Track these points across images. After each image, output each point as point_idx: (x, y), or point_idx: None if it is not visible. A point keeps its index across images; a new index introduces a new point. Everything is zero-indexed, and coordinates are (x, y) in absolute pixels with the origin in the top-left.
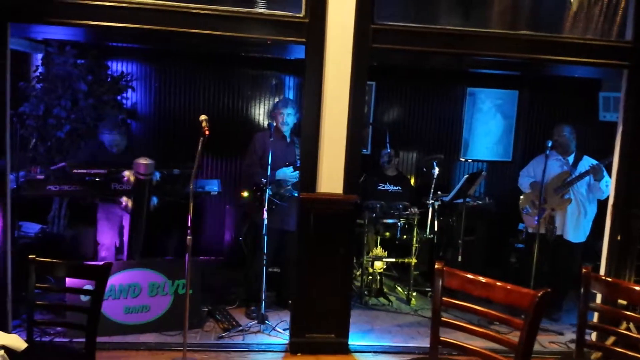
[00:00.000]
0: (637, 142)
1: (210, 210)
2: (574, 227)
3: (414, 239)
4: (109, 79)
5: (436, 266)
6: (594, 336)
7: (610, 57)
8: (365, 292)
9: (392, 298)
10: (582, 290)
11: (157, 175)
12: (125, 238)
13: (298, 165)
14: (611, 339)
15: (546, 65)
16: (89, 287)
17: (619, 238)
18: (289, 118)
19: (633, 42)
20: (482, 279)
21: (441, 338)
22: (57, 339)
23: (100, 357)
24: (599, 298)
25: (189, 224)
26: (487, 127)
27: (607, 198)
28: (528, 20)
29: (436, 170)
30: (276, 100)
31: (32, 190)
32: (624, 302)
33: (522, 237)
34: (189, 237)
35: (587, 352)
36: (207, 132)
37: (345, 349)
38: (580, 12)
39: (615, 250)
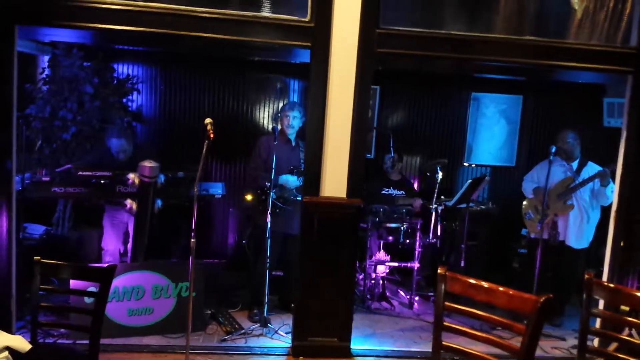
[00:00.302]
0: None
1: (214, 213)
2: (577, 233)
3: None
4: (115, 82)
5: (439, 271)
6: (596, 342)
7: (615, 63)
8: (368, 296)
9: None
10: (584, 296)
11: (162, 178)
12: (130, 245)
13: (302, 168)
14: (613, 345)
15: (550, 70)
16: (93, 289)
17: (622, 244)
18: (294, 121)
19: (638, 48)
20: (485, 284)
21: (443, 343)
22: (60, 341)
23: (104, 359)
24: (601, 304)
25: (193, 227)
26: (491, 132)
27: (611, 204)
28: (533, 25)
29: (440, 175)
30: (282, 103)
31: (37, 192)
32: (627, 308)
33: (524, 242)
34: (192, 240)
35: (589, 358)
36: (212, 135)
37: (347, 353)
38: (585, 18)
39: (618, 256)
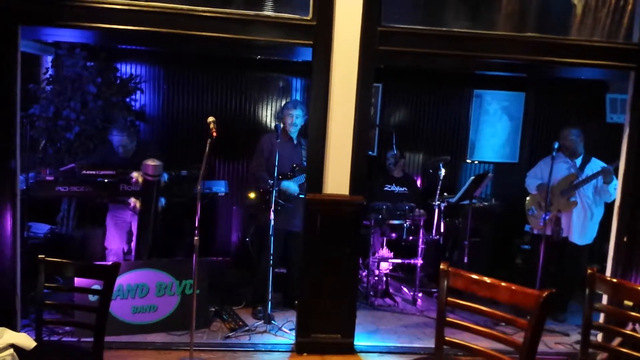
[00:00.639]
0: None
1: (217, 211)
2: (580, 229)
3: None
4: (118, 81)
5: (441, 267)
6: (600, 337)
7: (617, 59)
8: (371, 293)
9: (397, 299)
10: (587, 291)
11: (165, 176)
12: (134, 244)
13: (304, 166)
14: (617, 340)
15: (553, 67)
16: (97, 287)
17: (625, 239)
18: (297, 120)
19: None
20: (487, 280)
21: (446, 338)
22: (65, 338)
23: (108, 356)
24: (605, 299)
25: (196, 225)
26: (493, 129)
27: (614, 200)
28: (535, 22)
29: (442, 172)
30: (284, 101)
31: (41, 191)
32: (630, 303)
33: (528, 239)
34: (196, 238)
35: (593, 353)
36: (214, 134)
37: (351, 349)
38: (587, 14)
39: (621, 251)
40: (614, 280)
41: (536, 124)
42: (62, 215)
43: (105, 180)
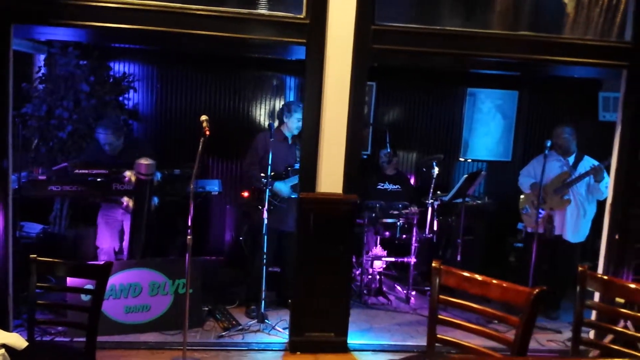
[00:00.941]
0: (635, 142)
1: (211, 210)
2: (573, 227)
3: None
4: (111, 80)
5: (433, 264)
6: (592, 334)
7: (610, 58)
8: (365, 291)
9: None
10: (578, 288)
11: (158, 175)
12: (125, 243)
13: (297, 167)
14: (609, 337)
15: (546, 65)
16: (89, 286)
17: (617, 237)
18: (300, 122)
19: (632, 42)
20: (479, 277)
21: (438, 336)
22: (58, 338)
23: (101, 356)
24: (597, 297)
25: (189, 224)
26: (487, 127)
27: (606, 198)
28: (528, 20)
29: (436, 170)
30: (278, 100)
31: (34, 191)
32: (622, 301)
33: (521, 237)
34: (189, 237)
35: (585, 351)
36: (207, 133)
37: (344, 348)
38: (579, 12)
39: (613, 249)
40: (605, 277)
41: (529, 122)
42: (55, 214)
43: (98, 180)
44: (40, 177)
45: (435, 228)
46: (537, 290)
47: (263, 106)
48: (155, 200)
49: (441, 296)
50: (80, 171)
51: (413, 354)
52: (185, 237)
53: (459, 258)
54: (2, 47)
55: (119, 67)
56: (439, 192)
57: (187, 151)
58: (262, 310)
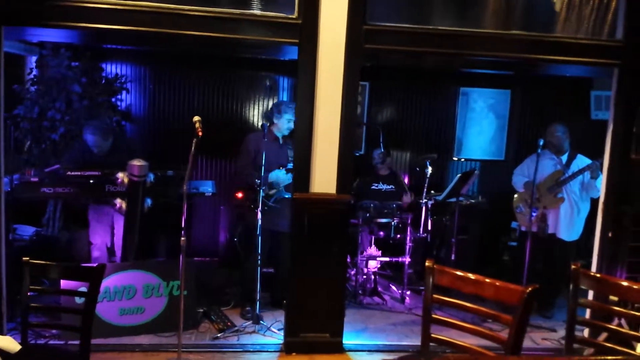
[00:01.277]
0: (627, 140)
1: (204, 211)
2: (568, 225)
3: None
4: (103, 81)
5: (427, 264)
6: (586, 332)
7: (602, 56)
8: (360, 291)
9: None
10: (571, 286)
11: (151, 176)
12: (116, 237)
13: (290, 167)
14: (603, 335)
15: (538, 64)
16: (83, 289)
17: (610, 235)
18: (291, 123)
19: (624, 41)
20: (472, 276)
21: (432, 335)
22: (51, 342)
23: (95, 358)
24: (591, 295)
25: (183, 225)
26: (480, 127)
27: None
28: (520, 20)
29: (429, 170)
30: (271, 101)
31: (26, 193)
32: (616, 298)
33: (515, 236)
34: (183, 238)
35: (579, 349)
36: (200, 133)
37: (339, 348)
38: (571, 11)
39: (606, 247)
40: (598, 275)
41: (522, 121)
42: (48, 216)
43: (91, 181)
44: (33, 179)
45: (429, 227)
46: (529, 288)
47: (256, 107)
48: (148, 201)
49: (435, 296)
50: (73, 173)
51: (408, 353)
52: (178, 239)
53: (453, 257)
54: None
55: (111, 68)
56: (432, 192)
57: (181, 152)
58: (257, 311)
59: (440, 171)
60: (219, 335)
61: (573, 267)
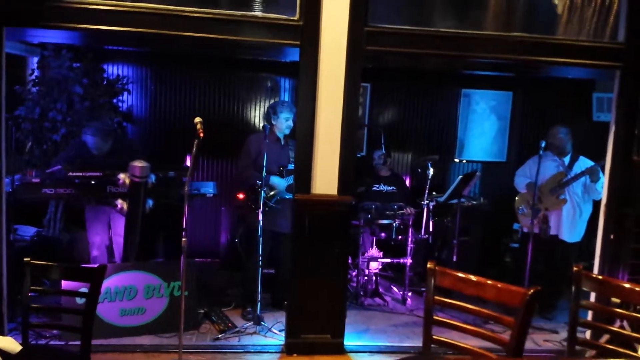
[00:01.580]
0: (629, 142)
1: (205, 212)
2: (570, 227)
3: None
4: (105, 82)
5: (428, 265)
6: (588, 334)
7: (603, 58)
8: (361, 293)
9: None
10: (573, 288)
11: (153, 177)
12: (113, 237)
13: (291, 168)
14: (605, 337)
15: (540, 66)
16: (84, 289)
17: (612, 237)
18: (290, 122)
19: (625, 43)
20: (473, 278)
21: (434, 337)
22: (52, 342)
23: (96, 359)
24: (593, 297)
25: (184, 226)
26: (481, 128)
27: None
28: (522, 22)
29: (431, 171)
30: (272, 102)
31: (27, 194)
32: (618, 300)
33: (517, 237)
34: (184, 239)
35: (579, 350)
36: (201, 135)
37: (340, 349)
38: (572, 13)
39: (608, 249)
40: (600, 277)
41: (524, 123)
42: (49, 217)
43: (92, 182)
44: (34, 180)
45: (431, 229)
46: (531, 290)
47: (258, 108)
48: (150, 202)
49: (436, 297)
50: (74, 174)
51: (409, 355)
52: (179, 240)
53: (454, 259)
54: None
55: (112, 70)
56: (434, 193)
57: (182, 153)
58: (258, 312)
59: (442, 173)
60: (219, 336)
61: (575, 269)
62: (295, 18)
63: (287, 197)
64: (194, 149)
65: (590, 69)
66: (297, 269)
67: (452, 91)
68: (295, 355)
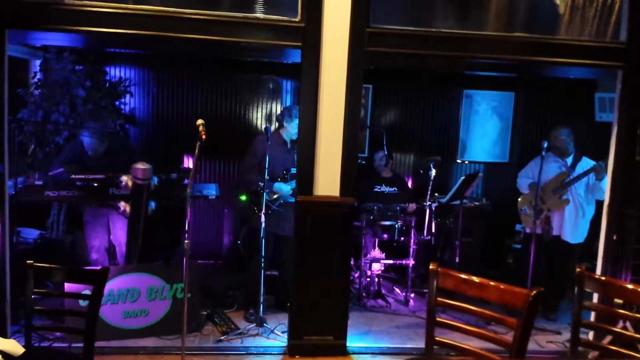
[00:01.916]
0: (631, 142)
1: (208, 214)
2: (572, 228)
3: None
4: (107, 85)
5: (430, 267)
6: (591, 335)
7: (605, 58)
8: (364, 294)
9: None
10: (576, 289)
11: (155, 179)
12: (113, 239)
13: (294, 172)
14: (608, 338)
15: (542, 66)
16: (87, 292)
17: (614, 238)
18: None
19: (627, 42)
20: (476, 279)
21: (436, 338)
22: (55, 344)
23: None
24: (595, 298)
25: (187, 228)
26: (483, 129)
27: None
28: (523, 22)
29: (433, 172)
30: (275, 104)
31: (30, 196)
32: (620, 301)
33: (520, 238)
34: (186, 241)
35: (584, 352)
36: (204, 137)
37: (343, 351)
38: (574, 13)
39: (611, 250)
40: (603, 278)
41: (526, 123)
42: (52, 220)
43: (95, 185)
44: (37, 183)
45: (433, 230)
46: (534, 291)
47: (260, 109)
48: (152, 204)
49: (439, 298)
50: (77, 176)
51: (412, 356)
52: (182, 242)
53: (457, 260)
54: None
55: (114, 72)
56: (436, 194)
57: (184, 155)
58: (261, 314)
59: (444, 173)
60: (222, 337)
61: (578, 269)
62: (297, 19)
63: (290, 200)
64: (196, 151)
65: (592, 68)
66: (300, 270)
67: (454, 92)
68: (297, 356)
